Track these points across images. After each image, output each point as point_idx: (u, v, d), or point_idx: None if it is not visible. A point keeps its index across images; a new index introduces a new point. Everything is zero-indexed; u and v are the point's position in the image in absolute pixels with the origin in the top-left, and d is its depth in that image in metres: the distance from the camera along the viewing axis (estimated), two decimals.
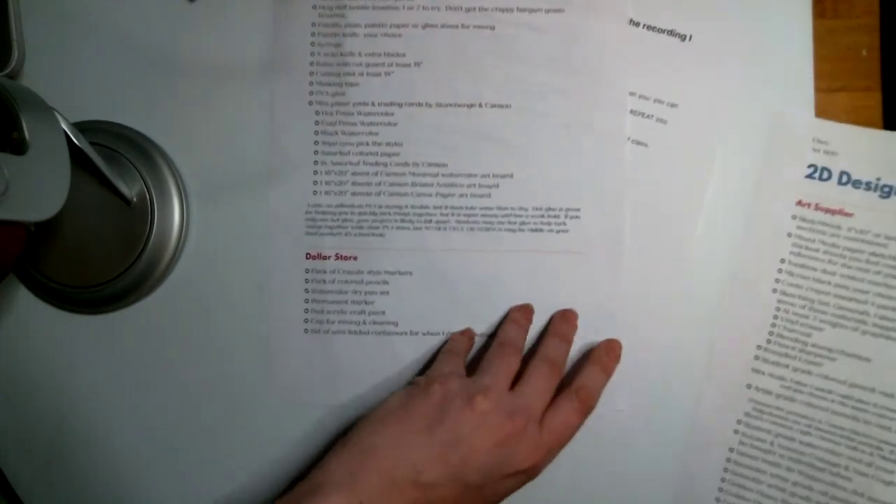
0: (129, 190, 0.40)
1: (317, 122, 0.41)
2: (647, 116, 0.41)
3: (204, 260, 0.42)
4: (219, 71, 0.42)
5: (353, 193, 0.41)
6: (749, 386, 0.40)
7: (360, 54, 0.41)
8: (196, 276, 0.42)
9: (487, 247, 0.41)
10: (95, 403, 0.42)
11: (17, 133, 0.31)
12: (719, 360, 0.40)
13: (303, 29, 0.41)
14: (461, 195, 0.41)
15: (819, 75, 0.40)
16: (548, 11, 0.41)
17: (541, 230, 0.41)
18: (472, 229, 0.41)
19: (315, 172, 0.41)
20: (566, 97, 0.41)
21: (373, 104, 0.41)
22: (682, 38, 0.41)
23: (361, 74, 0.41)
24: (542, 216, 0.41)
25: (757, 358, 0.40)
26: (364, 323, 0.41)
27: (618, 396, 0.40)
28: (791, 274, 0.39)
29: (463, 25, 0.41)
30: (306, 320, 0.41)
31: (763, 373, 0.40)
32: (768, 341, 0.40)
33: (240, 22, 0.42)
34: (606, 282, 0.41)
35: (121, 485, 0.42)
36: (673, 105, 0.41)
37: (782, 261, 0.40)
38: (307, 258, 0.41)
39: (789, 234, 0.40)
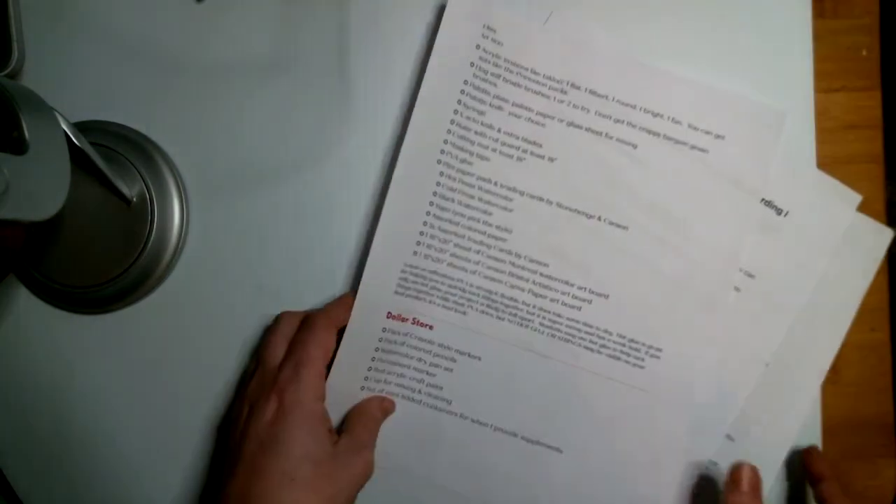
0: (129, 190, 0.40)
1: (438, 184, 0.40)
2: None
3: (204, 260, 0.42)
4: (219, 71, 0.42)
5: (450, 265, 0.40)
6: None
7: (499, 130, 0.40)
8: (196, 276, 0.42)
9: (562, 357, 0.40)
10: (95, 403, 0.42)
11: (17, 133, 0.31)
12: None
13: (452, 87, 0.39)
14: (552, 300, 0.40)
15: (819, 75, 0.40)
16: (706, 133, 0.39)
17: (618, 359, 0.40)
18: (552, 336, 0.40)
19: (421, 233, 0.40)
20: (685, 234, 0.40)
21: (496, 184, 0.40)
22: None
23: (494, 150, 0.40)
24: (624, 346, 0.40)
25: None
26: (419, 392, 0.41)
27: None
28: None
29: (607, 135, 0.40)
30: (366, 378, 0.40)
31: None
32: None
33: (243, 22, 0.42)
34: (663, 431, 0.40)
35: (121, 485, 0.42)
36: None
37: None
38: (388, 317, 0.40)
39: None
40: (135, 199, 0.41)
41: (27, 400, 0.43)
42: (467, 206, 0.40)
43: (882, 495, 0.42)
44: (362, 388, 0.40)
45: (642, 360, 0.40)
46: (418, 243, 0.40)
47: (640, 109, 0.40)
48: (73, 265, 0.41)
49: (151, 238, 0.41)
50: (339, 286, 0.42)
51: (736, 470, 0.37)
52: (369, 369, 0.40)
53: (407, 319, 0.40)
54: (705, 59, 0.41)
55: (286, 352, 0.38)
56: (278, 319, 0.40)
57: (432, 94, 0.40)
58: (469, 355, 0.40)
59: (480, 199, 0.40)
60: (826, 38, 0.41)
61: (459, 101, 0.40)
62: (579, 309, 0.40)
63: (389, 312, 0.40)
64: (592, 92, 0.40)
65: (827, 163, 0.40)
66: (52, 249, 0.41)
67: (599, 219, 0.40)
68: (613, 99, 0.40)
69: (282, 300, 0.42)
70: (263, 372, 0.38)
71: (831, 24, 0.41)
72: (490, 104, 0.40)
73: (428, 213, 0.40)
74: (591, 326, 0.40)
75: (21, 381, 0.43)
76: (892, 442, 0.42)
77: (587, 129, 0.40)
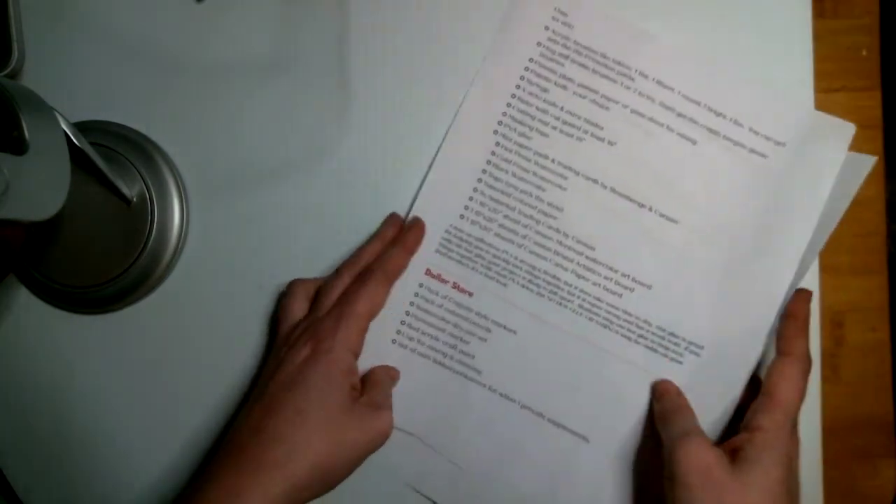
0: (129, 190, 0.40)
1: (492, 153, 0.40)
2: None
3: (204, 260, 0.42)
4: (220, 70, 0.42)
5: (497, 235, 0.40)
6: None
7: (561, 108, 0.40)
8: (196, 277, 0.42)
9: (598, 343, 0.40)
10: (95, 403, 0.42)
11: (17, 133, 0.31)
12: None
13: (516, 63, 0.41)
14: (595, 283, 0.40)
15: (819, 75, 0.40)
16: (767, 139, 0.39)
17: (655, 351, 0.39)
18: (590, 319, 0.40)
19: (470, 199, 0.40)
20: (740, 233, 0.39)
21: (552, 161, 0.40)
22: None
23: (555, 128, 0.40)
24: (663, 338, 0.39)
25: None
26: (450, 358, 0.40)
27: None
28: None
29: (669, 128, 0.40)
30: (398, 332, 0.41)
31: None
32: None
33: (243, 22, 0.42)
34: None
35: (120, 485, 0.42)
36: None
37: None
38: (426, 274, 0.40)
39: None
40: (135, 199, 0.41)
41: (27, 400, 0.43)
42: (521, 178, 0.40)
43: (882, 495, 0.42)
44: (393, 342, 0.40)
45: (681, 355, 0.39)
46: (466, 207, 0.40)
47: (704, 107, 0.40)
48: (73, 265, 0.41)
49: (151, 238, 0.41)
50: None
51: (658, 385, 0.38)
52: (402, 323, 0.40)
53: (447, 282, 0.40)
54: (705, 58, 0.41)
55: (336, 302, 0.38)
56: (340, 272, 0.39)
57: (493, 68, 0.41)
58: (505, 328, 0.40)
59: (535, 174, 0.40)
60: (826, 38, 0.41)
61: (522, 77, 0.40)
62: (620, 296, 0.40)
63: (428, 269, 0.40)
64: (659, 82, 0.40)
65: None
66: (52, 249, 0.41)
67: (651, 209, 0.40)
68: (679, 92, 0.40)
69: None
70: (311, 319, 0.38)
71: (831, 24, 0.41)
72: (555, 83, 0.40)
73: (479, 181, 0.40)
74: (630, 315, 0.40)
75: (21, 381, 0.43)
76: (892, 442, 0.42)
77: (650, 119, 0.40)
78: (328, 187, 0.42)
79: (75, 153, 0.35)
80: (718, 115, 0.40)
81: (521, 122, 0.40)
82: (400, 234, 0.40)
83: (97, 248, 0.41)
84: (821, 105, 0.40)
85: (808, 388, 0.36)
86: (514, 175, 0.40)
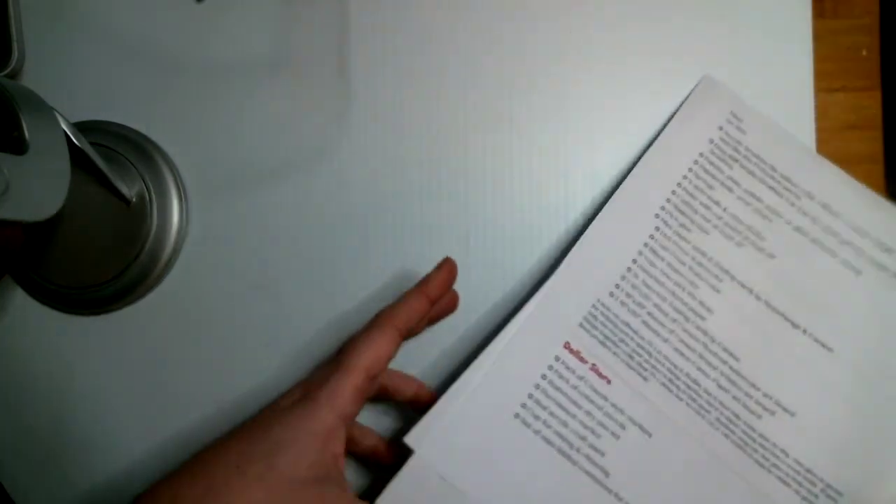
0: (129, 190, 0.40)
1: (651, 237, 0.39)
2: None
3: (204, 260, 0.42)
4: (219, 71, 0.42)
5: (644, 322, 0.38)
6: None
7: (724, 209, 0.39)
8: (196, 276, 0.42)
9: (732, 464, 0.36)
10: (94, 404, 0.42)
11: (17, 133, 0.31)
12: None
13: (686, 153, 0.40)
14: (735, 398, 0.37)
15: (819, 75, 0.41)
16: None
17: (788, 485, 0.36)
18: (726, 436, 0.36)
19: (623, 277, 0.38)
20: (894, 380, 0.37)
21: (710, 260, 0.38)
22: None
23: (716, 227, 0.39)
24: (798, 473, 0.36)
25: None
26: (578, 451, 0.36)
27: None
28: None
29: (832, 253, 0.38)
30: (524, 406, 0.36)
31: None
32: None
33: (243, 22, 0.42)
34: None
35: (119, 486, 0.42)
36: None
37: None
38: (564, 347, 0.37)
39: None
40: (134, 199, 0.41)
41: (27, 400, 0.43)
42: (676, 270, 0.38)
43: None
44: (516, 416, 0.36)
45: (816, 497, 0.36)
46: (617, 286, 0.38)
47: (872, 240, 0.38)
48: (72, 266, 0.41)
49: (151, 238, 0.41)
50: (339, 285, 0.42)
51: None
52: (530, 397, 0.36)
53: (586, 362, 0.37)
54: (705, 58, 0.41)
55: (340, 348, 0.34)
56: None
57: (663, 153, 0.40)
58: (641, 428, 0.37)
59: (691, 270, 0.38)
60: (826, 38, 0.41)
61: (690, 170, 0.39)
62: (759, 417, 0.37)
63: (568, 344, 0.37)
64: (826, 206, 0.39)
65: None
66: (51, 250, 0.41)
67: (804, 332, 0.38)
68: (846, 221, 0.39)
69: (281, 301, 0.42)
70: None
71: (831, 24, 0.41)
72: (721, 182, 0.39)
73: (634, 262, 0.38)
74: (766, 440, 0.37)
75: (20, 382, 0.43)
76: None
77: (812, 240, 0.39)
78: (328, 187, 0.42)
79: (75, 153, 0.35)
80: (886, 250, 0.38)
81: (682, 213, 0.39)
82: (424, 278, 0.36)
83: (96, 248, 0.41)
84: (821, 105, 0.40)
85: None
86: (669, 265, 0.38)
